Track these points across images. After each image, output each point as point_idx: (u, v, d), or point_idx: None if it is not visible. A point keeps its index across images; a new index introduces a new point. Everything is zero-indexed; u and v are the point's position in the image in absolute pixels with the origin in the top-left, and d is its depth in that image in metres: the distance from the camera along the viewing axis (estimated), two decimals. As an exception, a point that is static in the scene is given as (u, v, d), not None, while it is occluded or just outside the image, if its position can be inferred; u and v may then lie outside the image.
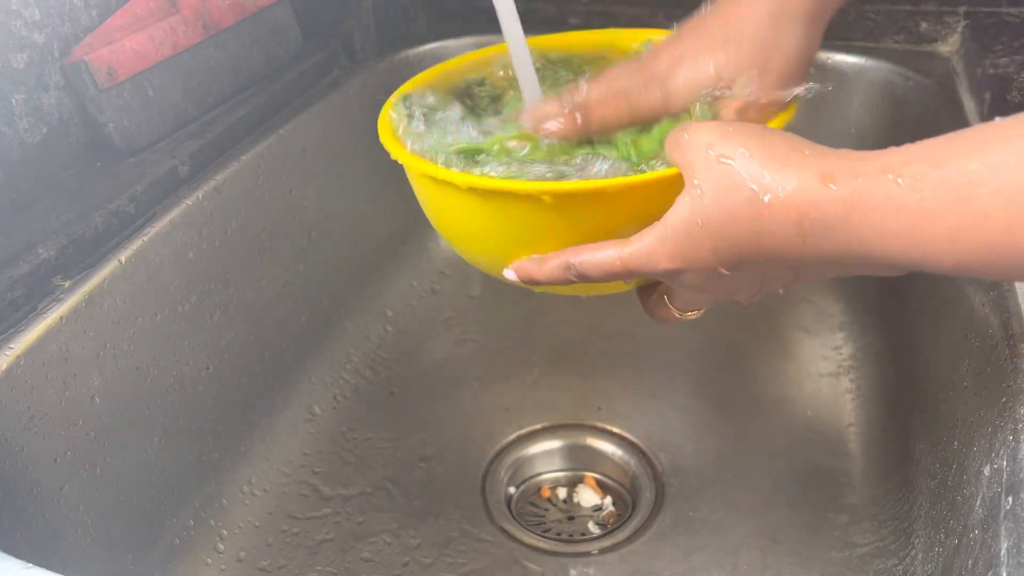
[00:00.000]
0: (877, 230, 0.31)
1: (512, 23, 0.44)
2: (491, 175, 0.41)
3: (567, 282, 0.40)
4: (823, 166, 0.33)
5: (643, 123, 0.44)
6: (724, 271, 0.36)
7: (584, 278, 0.39)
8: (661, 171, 0.39)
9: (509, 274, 0.43)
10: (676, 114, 0.43)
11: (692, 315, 0.43)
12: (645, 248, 0.37)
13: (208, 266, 0.59)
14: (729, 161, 0.34)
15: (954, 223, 0.30)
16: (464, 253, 0.47)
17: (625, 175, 0.40)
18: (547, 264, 0.41)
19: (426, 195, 0.46)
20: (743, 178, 0.34)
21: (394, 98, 0.49)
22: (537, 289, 0.43)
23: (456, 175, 0.41)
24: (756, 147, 0.34)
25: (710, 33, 0.42)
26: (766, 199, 0.33)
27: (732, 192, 0.34)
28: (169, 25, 0.61)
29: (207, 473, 0.61)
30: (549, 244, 0.41)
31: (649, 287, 0.44)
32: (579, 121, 0.43)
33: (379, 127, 0.47)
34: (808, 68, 0.42)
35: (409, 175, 0.46)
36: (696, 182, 0.35)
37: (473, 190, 0.41)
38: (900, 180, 0.31)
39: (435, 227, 0.48)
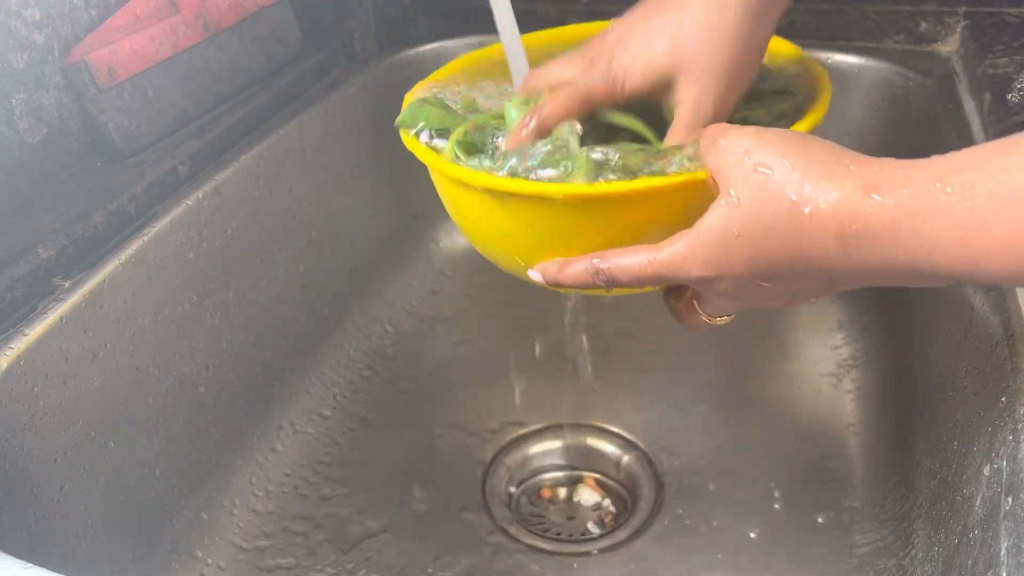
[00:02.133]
0: (925, 241, 0.30)
1: (507, 18, 0.45)
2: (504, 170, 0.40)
3: (594, 286, 0.40)
4: (865, 176, 0.32)
5: (597, 108, 0.43)
6: (757, 280, 0.36)
7: (612, 283, 0.39)
8: (691, 173, 0.38)
9: (534, 275, 0.42)
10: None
11: (721, 320, 0.42)
12: (678, 254, 0.37)
13: (208, 266, 0.59)
14: (767, 171, 0.34)
15: (1009, 231, 0.29)
16: (487, 253, 0.47)
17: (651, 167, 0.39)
18: (573, 267, 0.40)
19: (447, 195, 0.45)
20: (782, 188, 0.33)
21: (410, 96, 0.49)
22: (561, 290, 0.43)
23: (477, 176, 0.41)
24: (796, 156, 0.34)
25: (657, 13, 0.41)
26: (806, 210, 0.32)
27: (770, 203, 0.33)
28: (169, 25, 0.62)
29: (207, 473, 0.61)
30: (574, 247, 0.40)
31: (677, 290, 0.43)
32: (537, 119, 0.42)
33: (401, 127, 0.46)
34: (758, 58, 0.42)
35: (432, 175, 0.46)
36: (732, 191, 0.35)
37: (493, 192, 0.40)
38: (948, 189, 0.30)
39: (458, 226, 0.48)
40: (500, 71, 0.51)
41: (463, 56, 0.54)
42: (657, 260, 0.37)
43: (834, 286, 0.36)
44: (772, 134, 0.35)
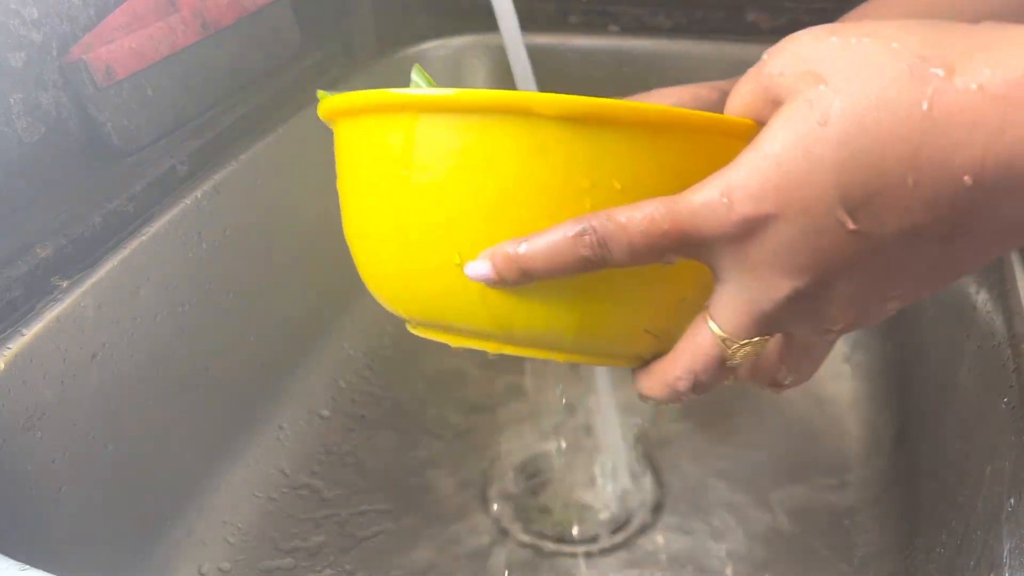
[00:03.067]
0: None
1: (508, 17, 0.45)
2: None
3: (576, 262, 0.28)
4: (1012, 32, 0.23)
5: None
6: (842, 216, 0.24)
7: (604, 251, 0.27)
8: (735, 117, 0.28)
9: (477, 269, 0.30)
10: None
11: (741, 351, 0.30)
12: (713, 195, 0.26)
13: (208, 266, 0.59)
14: (871, 38, 0.24)
15: None
16: (383, 268, 0.34)
17: None
18: (543, 238, 0.28)
19: (346, 156, 0.34)
20: (898, 51, 0.23)
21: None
22: (515, 352, 0.32)
23: (391, 94, 0.30)
24: (903, 23, 0.24)
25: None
26: (938, 72, 0.23)
27: (882, 70, 0.23)
28: (168, 24, 0.61)
29: (207, 473, 0.61)
30: (543, 216, 0.28)
31: (668, 361, 0.32)
32: None
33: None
34: None
35: (336, 135, 0.35)
36: (813, 75, 0.24)
37: (426, 108, 0.28)
38: None
39: (348, 236, 0.36)
40: None
41: None
42: (678, 208, 0.26)
43: (952, 242, 0.25)
44: (850, 23, 0.26)
